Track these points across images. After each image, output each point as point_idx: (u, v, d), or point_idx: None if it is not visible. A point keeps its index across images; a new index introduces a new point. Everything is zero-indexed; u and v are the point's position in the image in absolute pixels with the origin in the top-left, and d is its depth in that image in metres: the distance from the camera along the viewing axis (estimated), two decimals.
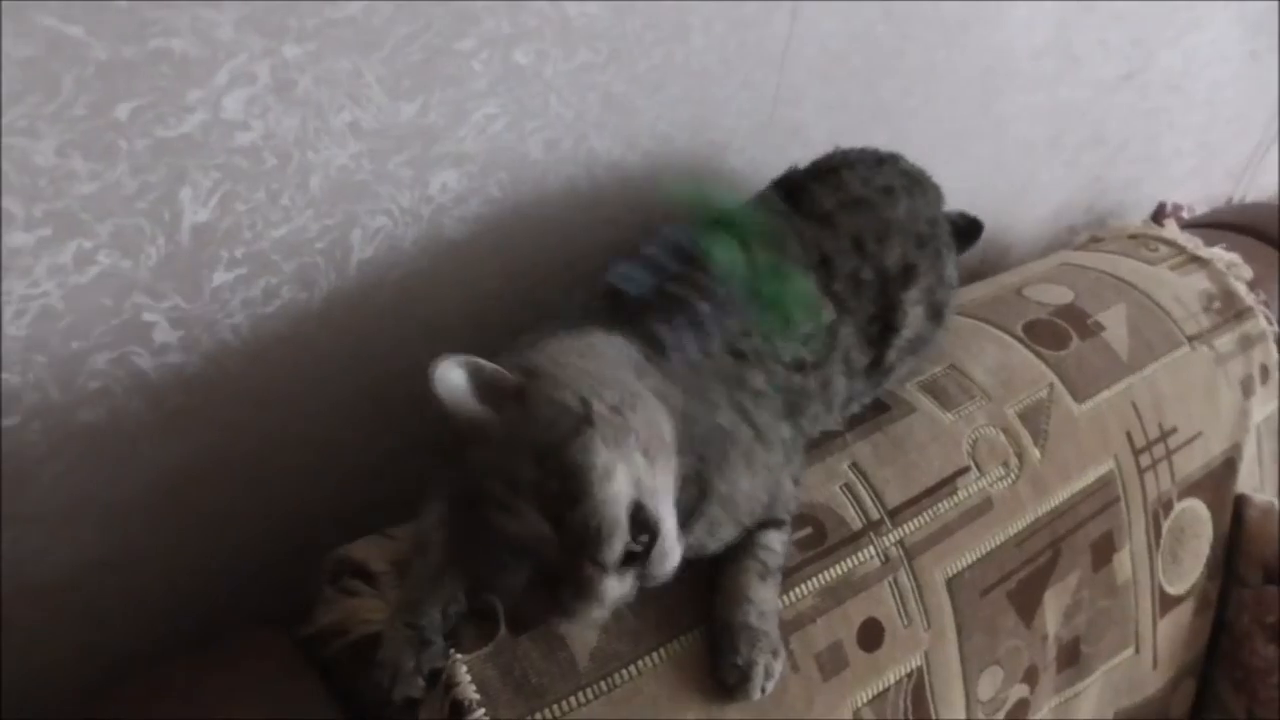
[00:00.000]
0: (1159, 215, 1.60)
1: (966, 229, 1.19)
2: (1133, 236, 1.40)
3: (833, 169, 1.03)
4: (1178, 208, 1.61)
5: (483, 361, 0.74)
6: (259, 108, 0.80)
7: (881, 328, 0.98)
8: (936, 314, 1.03)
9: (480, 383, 0.74)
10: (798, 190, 1.00)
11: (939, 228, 1.05)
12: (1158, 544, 1.17)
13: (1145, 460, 1.15)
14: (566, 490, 0.72)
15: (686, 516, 0.80)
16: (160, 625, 0.95)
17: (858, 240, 0.97)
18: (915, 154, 1.11)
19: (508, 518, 0.73)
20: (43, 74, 0.70)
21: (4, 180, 0.71)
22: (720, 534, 0.85)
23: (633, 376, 0.79)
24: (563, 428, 0.73)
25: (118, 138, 0.75)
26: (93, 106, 0.73)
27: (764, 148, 1.15)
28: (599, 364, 0.79)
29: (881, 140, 1.21)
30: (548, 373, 0.76)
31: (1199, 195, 1.73)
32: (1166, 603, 1.20)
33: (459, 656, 0.79)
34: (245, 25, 0.77)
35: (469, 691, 0.78)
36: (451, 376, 0.73)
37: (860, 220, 0.98)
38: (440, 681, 0.78)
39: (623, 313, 0.86)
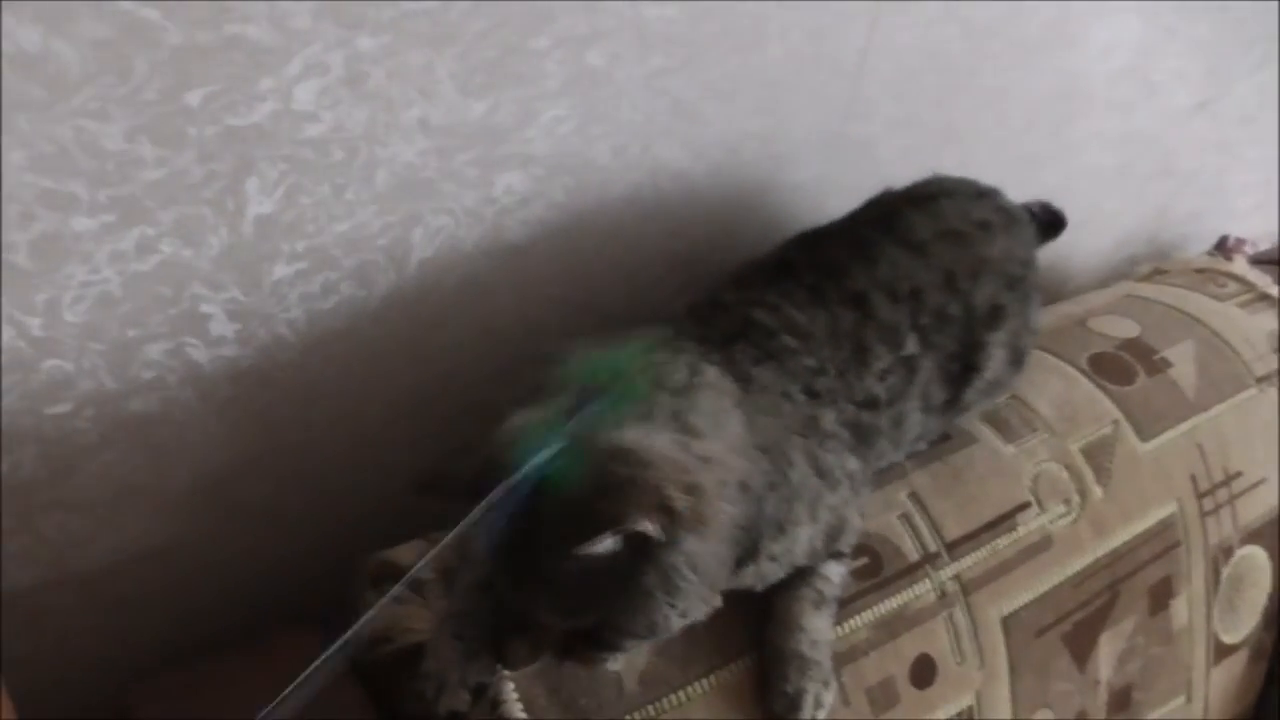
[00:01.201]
0: (1222, 248, 1.56)
1: (1049, 222, 1.15)
2: (1199, 271, 1.36)
3: (930, 196, 1.00)
4: (1240, 241, 1.57)
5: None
6: (330, 99, 0.78)
7: (962, 367, 0.95)
8: (1018, 359, 1.00)
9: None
10: (893, 214, 0.97)
11: (1031, 269, 1.02)
12: (1216, 591, 1.13)
13: (1208, 504, 1.11)
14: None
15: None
16: (198, 620, 0.93)
17: (950, 275, 0.94)
18: (982, 176, 1.08)
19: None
20: (116, 56, 0.68)
21: (72, 163, 0.70)
22: (770, 578, 0.83)
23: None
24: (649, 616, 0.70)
25: (187, 124, 0.73)
26: (164, 92, 0.71)
27: (830, 163, 1.12)
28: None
29: (949, 160, 1.18)
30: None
31: (1261, 230, 1.69)
32: (1221, 651, 1.16)
33: (506, 673, 0.77)
34: (322, 14, 0.75)
35: (515, 710, 0.76)
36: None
37: (954, 254, 0.95)
38: (486, 697, 0.76)
39: (712, 332, 0.84)
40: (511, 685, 0.77)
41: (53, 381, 0.77)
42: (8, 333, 0.74)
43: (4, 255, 0.71)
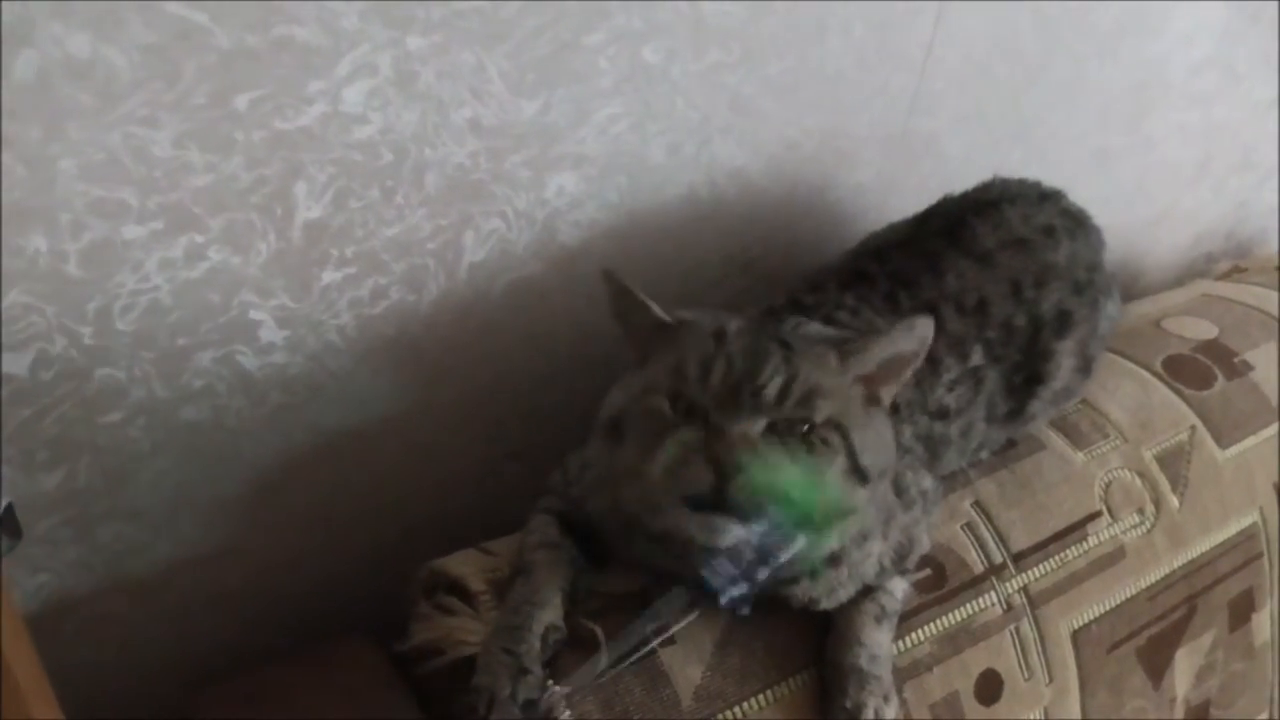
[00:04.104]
0: None
1: None
2: None
3: (992, 203, 0.97)
4: None
5: None
6: (379, 101, 0.77)
7: (1026, 378, 0.93)
8: (1085, 367, 0.98)
9: None
10: (956, 224, 0.95)
11: (1098, 274, 0.99)
12: None
13: None
14: None
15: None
16: (254, 628, 0.94)
17: (1016, 284, 0.92)
18: (1053, 173, 1.04)
19: None
20: (165, 61, 0.67)
21: (122, 170, 0.69)
22: (839, 594, 0.82)
23: None
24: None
25: (235, 129, 0.72)
26: (213, 96, 0.70)
27: (894, 160, 1.08)
28: None
29: (1017, 157, 1.14)
30: None
31: None
32: None
33: (558, 688, 0.75)
34: (370, 14, 0.73)
35: None
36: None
37: (1020, 262, 0.93)
38: (537, 712, 0.75)
39: None
40: (564, 701, 0.75)
41: (105, 390, 0.77)
42: (60, 342, 0.73)
43: (56, 265, 0.71)
